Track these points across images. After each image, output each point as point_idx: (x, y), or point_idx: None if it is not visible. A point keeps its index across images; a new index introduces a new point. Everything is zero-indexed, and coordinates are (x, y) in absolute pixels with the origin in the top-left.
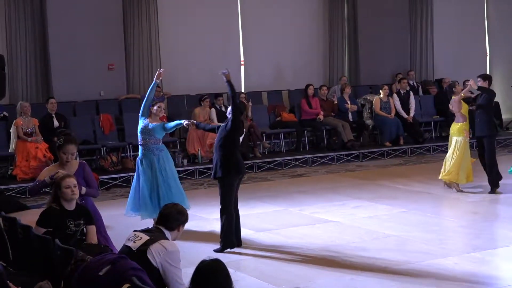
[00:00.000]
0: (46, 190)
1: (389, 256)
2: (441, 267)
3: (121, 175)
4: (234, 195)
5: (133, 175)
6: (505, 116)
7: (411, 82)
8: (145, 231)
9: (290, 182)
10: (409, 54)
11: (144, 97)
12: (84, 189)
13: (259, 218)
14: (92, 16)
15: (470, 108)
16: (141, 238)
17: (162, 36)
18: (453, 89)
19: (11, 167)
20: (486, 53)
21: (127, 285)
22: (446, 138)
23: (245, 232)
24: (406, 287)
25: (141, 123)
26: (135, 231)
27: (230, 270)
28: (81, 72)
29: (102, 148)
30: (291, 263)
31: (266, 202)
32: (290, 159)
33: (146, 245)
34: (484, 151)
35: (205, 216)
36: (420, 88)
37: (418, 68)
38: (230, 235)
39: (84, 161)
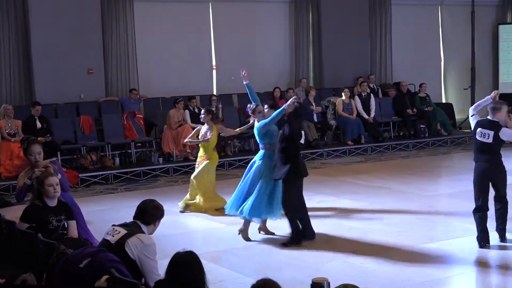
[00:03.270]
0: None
1: (351, 247)
2: (399, 257)
3: (101, 173)
4: (299, 195)
5: (111, 173)
6: (458, 116)
7: (371, 85)
8: (123, 225)
9: None
10: (369, 59)
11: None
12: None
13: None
14: (72, 23)
15: (426, 109)
16: (119, 232)
17: (139, 42)
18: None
19: None
20: (441, 57)
21: (106, 276)
22: (403, 137)
23: (217, 226)
24: (366, 275)
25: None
26: (113, 225)
27: (203, 261)
28: (62, 76)
29: (82, 148)
30: (260, 254)
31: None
32: None
33: (124, 238)
34: None
35: (180, 211)
36: (379, 90)
37: (377, 72)
38: (298, 235)
39: (54, 159)
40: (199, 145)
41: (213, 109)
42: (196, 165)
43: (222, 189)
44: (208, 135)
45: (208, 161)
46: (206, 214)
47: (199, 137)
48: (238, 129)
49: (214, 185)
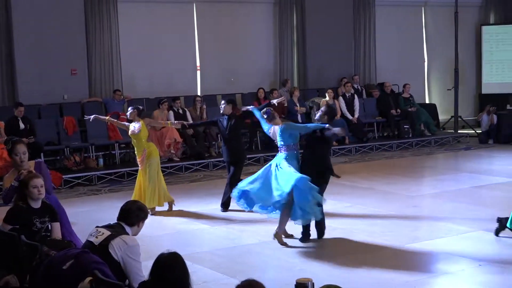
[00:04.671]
0: None
1: (336, 247)
2: (383, 257)
3: (84, 174)
4: None
5: (95, 174)
6: (441, 117)
7: (355, 86)
8: (107, 227)
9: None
10: (353, 60)
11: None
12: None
13: (215, 213)
14: (56, 24)
15: (409, 110)
16: (103, 233)
17: (122, 43)
18: None
19: None
20: (424, 59)
21: (90, 278)
22: (387, 138)
23: (201, 227)
24: (350, 275)
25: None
26: (97, 227)
27: (187, 262)
28: (46, 77)
29: (65, 149)
30: (245, 255)
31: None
32: None
33: (108, 240)
34: None
35: (164, 212)
36: (363, 91)
37: (361, 73)
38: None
39: (41, 160)
40: (133, 143)
41: (141, 107)
42: (139, 164)
43: (208, 190)
44: (136, 129)
45: (149, 159)
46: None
47: (129, 133)
48: (169, 122)
49: (162, 176)
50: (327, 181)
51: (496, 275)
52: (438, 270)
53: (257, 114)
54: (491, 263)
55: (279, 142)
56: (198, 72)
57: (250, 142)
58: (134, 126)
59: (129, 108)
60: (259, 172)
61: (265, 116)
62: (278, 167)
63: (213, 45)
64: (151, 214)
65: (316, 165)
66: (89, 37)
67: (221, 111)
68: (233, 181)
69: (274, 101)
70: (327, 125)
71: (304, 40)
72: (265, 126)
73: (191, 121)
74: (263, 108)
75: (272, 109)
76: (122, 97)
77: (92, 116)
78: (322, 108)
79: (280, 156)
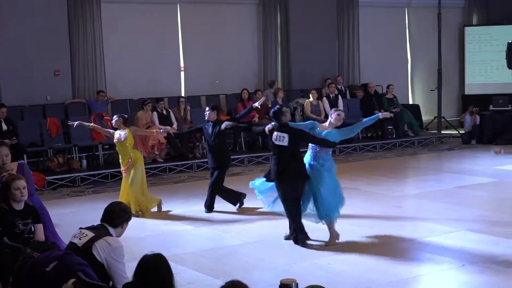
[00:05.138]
0: None
1: (320, 248)
2: (366, 257)
3: (68, 175)
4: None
5: (78, 176)
6: (425, 117)
7: (339, 87)
8: (90, 228)
9: (227, 180)
10: (337, 61)
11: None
12: None
13: (199, 214)
14: (39, 24)
15: (393, 110)
16: (86, 235)
17: (106, 43)
18: None
19: None
20: (408, 59)
21: (73, 279)
22: (371, 138)
23: (185, 228)
24: (333, 276)
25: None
26: (80, 228)
27: (171, 264)
28: (29, 78)
29: (49, 150)
30: (229, 256)
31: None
32: None
33: (91, 241)
34: None
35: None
36: (347, 92)
37: (345, 74)
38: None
39: (24, 161)
40: (118, 150)
41: (126, 115)
42: (123, 173)
43: (192, 191)
44: (122, 136)
45: (135, 165)
46: (144, 217)
47: (115, 140)
48: (154, 131)
49: (146, 183)
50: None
51: (479, 275)
52: (422, 270)
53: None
54: (474, 263)
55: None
56: (182, 73)
57: (234, 143)
58: (119, 134)
59: (115, 116)
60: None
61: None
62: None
63: (197, 46)
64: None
65: (294, 165)
66: (72, 38)
67: (206, 118)
68: (216, 185)
69: (257, 104)
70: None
71: (288, 41)
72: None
73: (175, 122)
74: (246, 113)
75: None
76: (106, 98)
77: (76, 123)
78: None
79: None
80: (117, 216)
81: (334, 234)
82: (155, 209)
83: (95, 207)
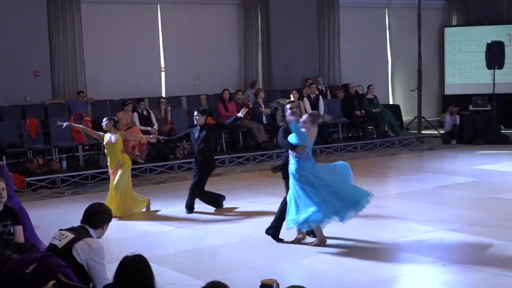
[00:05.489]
0: None
1: (300, 248)
2: (348, 257)
3: (47, 176)
4: None
5: (58, 177)
6: (405, 118)
7: (319, 87)
8: (71, 229)
9: (209, 181)
10: (318, 61)
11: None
12: None
13: (179, 215)
14: (18, 24)
15: (374, 110)
16: (66, 236)
17: (86, 44)
18: None
19: None
20: (388, 59)
21: (53, 281)
22: (351, 138)
23: (166, 229)
24: (315, 276)
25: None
26: (61, 229)
27: (152, 265)
28: (8, 78)
29: (28, 151)
30: (210, 256)
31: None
32: None
33: (72, 243)
34: None
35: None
36: (328, 92)
37: (326, 74)
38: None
39: (3, 163)
40: (107, 153)
41: (115, 118)
42: (111, 176)
43: (173, 192)
44: (113, 139)
45: (123, 168)
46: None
47: (105, 142)
48: (143, 136)
49: (131, 187)
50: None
51: (459, 275)
52: (402, 270)
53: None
54: (454, 263)
55: (310, 146)
56: (163, 74)
57: (215, 144)
58: (110, 137)
59: (105, 119)
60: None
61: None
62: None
63: (177, 46)
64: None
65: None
66: (52, 38)
67: (195, 122)
68: (196, 187)
69: (241, 114)
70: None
71: (268, 41)
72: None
73: (155, 123)
74: (232, 122)
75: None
76: (86, 98)
77: (65, 123)
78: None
79: (310, 164)
80: (97, 217)
81: (319, 238)
82: (143, 209)
83: (75, 208)
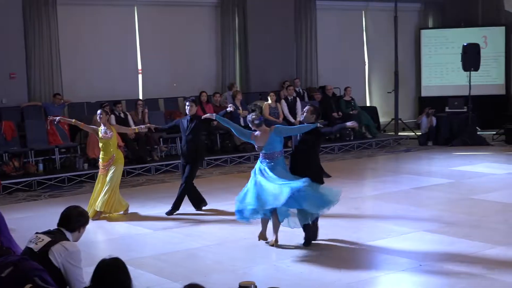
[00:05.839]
0: None
1: (279, 250)
2: (326, 259)
3: (24, 179)
4: None
5: (35, 180)
6: (382, 119)
7: (297, 89)
8: (47, 233)
9: None
10: (295, 63)
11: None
12: None
13: (157, 218)
14: None
15: (351, 112)
16: (42, 240)
17: (62, 46)
18: None
19: None
20: (365, 61)
21: (30, 285)
22: (329, 140)
23: (144, 231)
24: (293, 278)
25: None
26: (37, 233)
27: (130, 268)
28: None
29: (4, 154)
30: (187, 259)
31: (165, 203)
32: None
33: (48, 246)
34: None
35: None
36: (305, 94)
37: (303, 76)
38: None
39: None
40: (101, 147)
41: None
42: (101, 169)
43: (150, 194)
44: (109, 134)
45: (116, 165)
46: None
47: (100, 136)
48: (136, 128)
49: (118, 185)
50: (323, 182)
51: (436, 275)
52: (380, 271)
53: (222, 121)
54: (431, 263)
55: (266, 149)
56: (140, 76)
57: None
58: (106, 132)
59: (99, 112)
60: (248, 186)
61: (257, 122)
62: (267, 175)
63: (154, 48)
64: (95, 219)
65: (311, 168)
66: (28, 40)
67: (187, 112)
68: (189, 180)
69: (231, 108)
70: (318, 124)
71: (246, 43)
72: (243, 132)
73: (132, 125)
74: (223, 115)
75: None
76: (62, 101)
77: (58, 118)
78: (307, 108)
79: (263, 165)
80: (74, 220)
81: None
82: (121, 211)
83: (52, 211)
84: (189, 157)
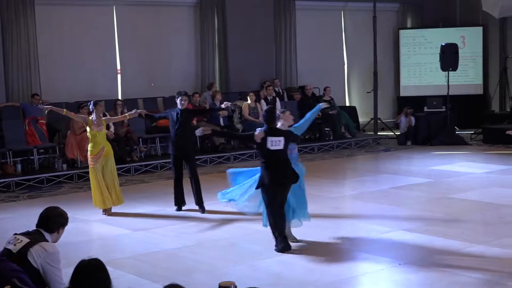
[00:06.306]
0: None
1: (258, 250)
2: (306, 259)
3: (2, 180)
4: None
5: (13, 181)
6: (361, 119)
7: (276, 89)
8: (25, 234)
9: (166, 183)
10: (275, 63)
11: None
12: None
13: (137, 218)
14: None
15: (330, 112)
16: (21, 241)
17: (41, 46)
18: None
19: None
20: (344, 61)
21: (8, 286)
22: (309, 140)
23: (123, 232)
24: (273, 278)
25: None
26: (15, 234)
27: (109, 269)
28: None
29: None
30: (167, 259)
31: (144, 203)
32: (166, 162)
33: (27, 247)
34: None
35: (85, 218)
36: (285, 94)
37: (283, 76)
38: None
39: None
40: (91, 138)
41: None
42: (91, 162)
43: (130, 195)
44: (100, 127)
45: (108, 156)
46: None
47: (91, 127)
48: (127, 114)
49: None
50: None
51: (415, 274)
52: (359, 270)
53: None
54: (410, 262)
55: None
56: (119, 76)
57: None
58: (97, 123)
59: (91, 104)
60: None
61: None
62: None
63: (134, 48)
64: (107, 215)
65: (290, 167)
66: (5, 40)
67: (180, 106)
68: (195, 176)
69: (223, 105)
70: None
71: (225, 43)
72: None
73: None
74: (215, 109)
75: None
76: (41, 101)
77: (48, 106)
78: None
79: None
80: (52, 221)
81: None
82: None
83: (31, 212)
84: (181, 151)
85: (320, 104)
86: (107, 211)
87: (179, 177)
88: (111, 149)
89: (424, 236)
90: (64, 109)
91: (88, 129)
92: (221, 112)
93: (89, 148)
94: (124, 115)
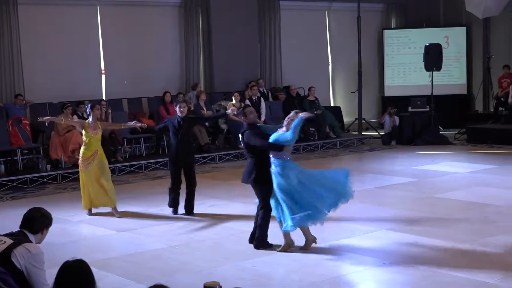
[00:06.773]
0: None
1: (243, 250)
2: (290, 259)
3: None
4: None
5: None
6: (346, 119)
7: (261, 89)
8: (9, 235)
9: (151, 184)
10: (259, 63)
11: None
12: None
13: (122, 219)
14: None
15: (315, 112)
16: (4, 242)
17: (24, 46)
18: None
19: None
20: (329, 61)
21: None
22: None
23: (107, 233)
24: (258, 278)
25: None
26: None
27: (94, 269)
28: None
29: None
30: (152, 260)
31: (128, 204)
32: (150, 162)
33: (10, 248)
34: None
35: (69, 219)
36: (269, 94)
37: (267, 76)
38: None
39: None
40: (86, 141)
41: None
42: (83, 165)
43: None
44: (98, 131)
45: (101, 159)
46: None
47: (88, 130)
48: (122, 124)
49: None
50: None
51: (399, 274)
52: (344, 270)
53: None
54: (395, 262)
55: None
56: (103, 76)
57: (157, 146)
58: (94, 126)
59: (88, 108)
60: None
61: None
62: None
63: (118, 48)
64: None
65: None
66: None
67: (179, 113)
68: (194, 184)
69: (229, 111)
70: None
71: (210, 43)
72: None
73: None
74: (219, 116)
75: None
76: (24, 101)
77: (47, 118)
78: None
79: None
80: (36, 222)
81: (309, 238)
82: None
83: (14, 213)
84: (183, 159)
85: (301, 115)
86: (90, 211)
87: (178, 183)
88: (103, 153)
89: (408, 235)
90: (62, 118)
91: (84, 132)
92: (205, 112)
93: (81, 151)
94: (120, 124)
